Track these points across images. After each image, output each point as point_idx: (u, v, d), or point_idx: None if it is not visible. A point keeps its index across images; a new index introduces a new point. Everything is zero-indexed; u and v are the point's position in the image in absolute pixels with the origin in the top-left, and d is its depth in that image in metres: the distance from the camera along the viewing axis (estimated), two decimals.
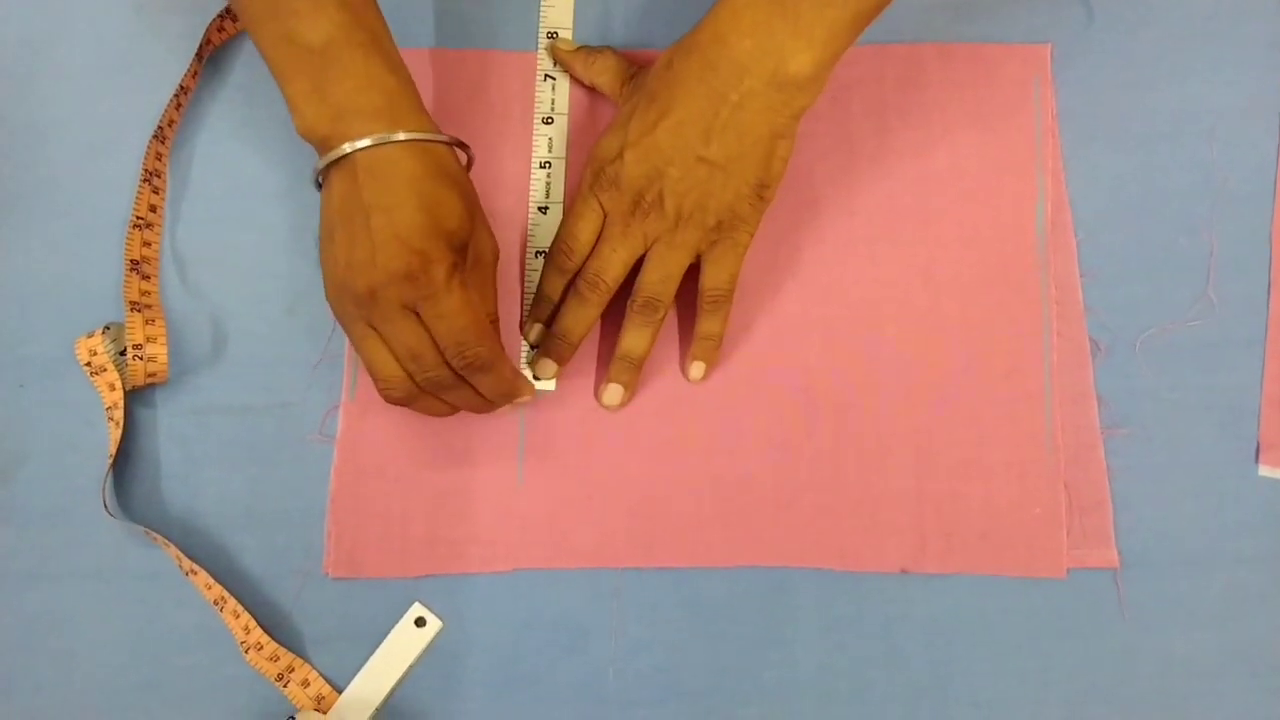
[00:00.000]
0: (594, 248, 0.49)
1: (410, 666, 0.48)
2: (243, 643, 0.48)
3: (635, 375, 0.50)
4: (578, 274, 0.49)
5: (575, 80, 0.54)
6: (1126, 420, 0.50)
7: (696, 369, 0.50)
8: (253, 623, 0.48)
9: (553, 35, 0.54)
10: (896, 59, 0.54)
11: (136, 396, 0.51)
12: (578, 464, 0.50)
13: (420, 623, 0.48)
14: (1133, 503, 0.49)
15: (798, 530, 0.49)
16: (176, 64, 0.54)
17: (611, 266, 0.48)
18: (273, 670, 0.47)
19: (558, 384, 0.51)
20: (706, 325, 0.50)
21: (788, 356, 0.51)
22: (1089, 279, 0.52)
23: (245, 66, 0.55)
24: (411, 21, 0.54)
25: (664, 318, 0.49)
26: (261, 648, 0.48)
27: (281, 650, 0.48)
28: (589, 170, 0.49)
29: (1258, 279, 0.51)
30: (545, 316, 0.50)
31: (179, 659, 0.48)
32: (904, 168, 0.53)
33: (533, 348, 0.51)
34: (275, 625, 0.49)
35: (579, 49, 0.53)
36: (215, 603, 0.48)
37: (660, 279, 0.48)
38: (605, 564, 0.49)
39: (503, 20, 0.55)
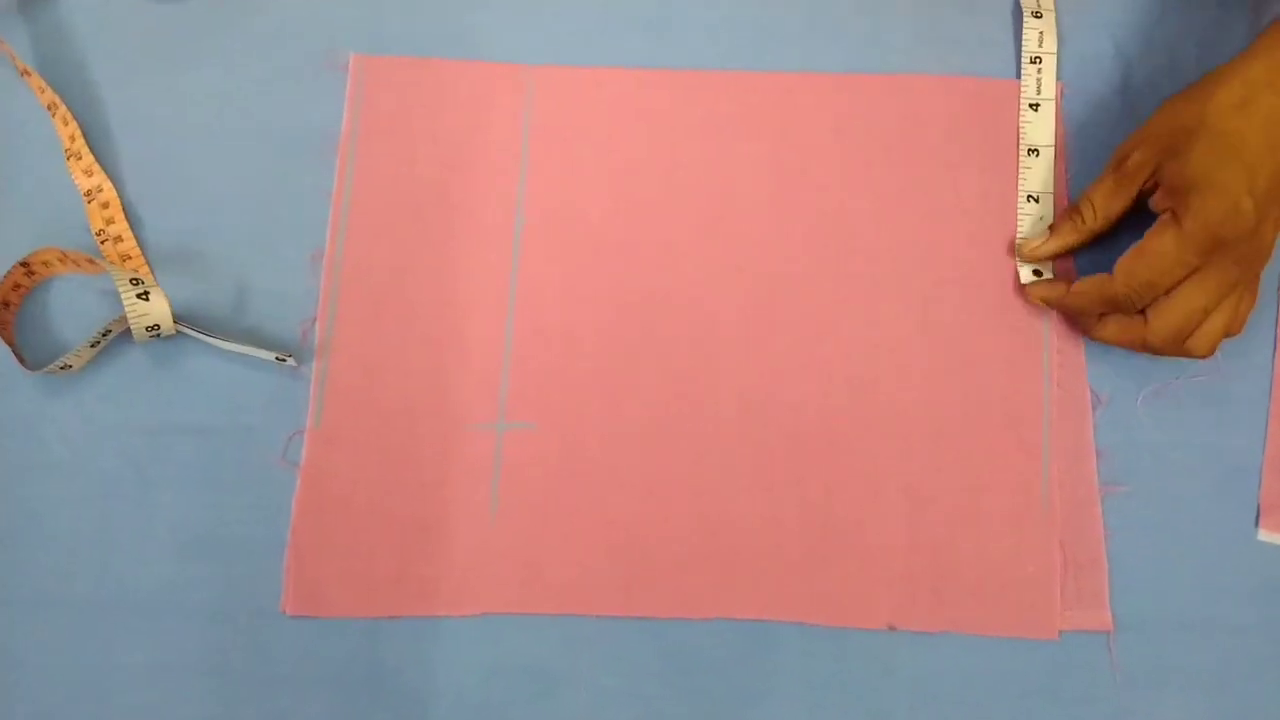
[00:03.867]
0: (1173, 290, 0.45)
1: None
2: (66, 150, 0.49)
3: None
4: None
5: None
6: (1125, 477, 0.48)
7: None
8: (79, 132, 0.49)
9: None
10: (896, 93, 0.52)
11: (84, 413, 0.48)
12: (555, 503, 0.48)
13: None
14: (1128, 563, 0.47)
15: (782, 581, 0.47)
16: (139, 69, 0.51)
17: (1190, 319, 0.45)
18: (84, 184, 0.49)
19: (538, 419, 0.48)
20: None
21: (778, 399, 0.49)
22: None
23: (214, 70, 0.52)
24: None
25: None
26: (80, 157, 0.49)
27: (96, 167, 0.49)
28: (1202, 238, 0.44)
29: (1264, 336, 0.50)
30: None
31: (126, 697, 0.46)
32: (902, 207, 0.51)
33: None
34: (226, 663, 0.46)
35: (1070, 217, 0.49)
36: (48, 107, 0.49)
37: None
38: (580, 610, 0.47)
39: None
